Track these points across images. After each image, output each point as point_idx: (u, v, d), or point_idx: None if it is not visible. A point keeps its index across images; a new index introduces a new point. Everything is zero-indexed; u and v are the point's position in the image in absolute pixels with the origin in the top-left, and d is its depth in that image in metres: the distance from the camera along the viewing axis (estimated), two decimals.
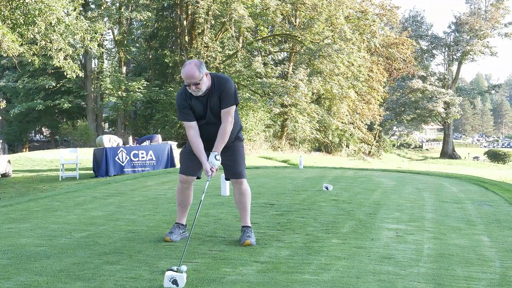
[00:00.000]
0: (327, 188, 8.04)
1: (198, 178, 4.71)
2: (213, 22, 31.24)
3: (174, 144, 16.91)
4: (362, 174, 11.76)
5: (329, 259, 3.96)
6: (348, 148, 40.81)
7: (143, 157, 15.26)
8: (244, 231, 4.56)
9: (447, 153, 58.31)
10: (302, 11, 32.18)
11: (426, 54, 58.30)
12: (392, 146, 60.85)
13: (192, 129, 4.41)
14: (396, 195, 7.65)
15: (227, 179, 4.86)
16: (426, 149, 75.41)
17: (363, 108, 36.03)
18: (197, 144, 4.38)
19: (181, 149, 4.84)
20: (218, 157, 4.33)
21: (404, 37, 42.66)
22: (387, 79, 40.70)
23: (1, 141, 18.39)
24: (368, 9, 35.63)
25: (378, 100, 37.99)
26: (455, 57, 58.60)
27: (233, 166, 4.63)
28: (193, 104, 4.37)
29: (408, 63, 42.41)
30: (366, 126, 39.41)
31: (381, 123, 46.82)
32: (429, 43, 58.36)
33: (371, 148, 43.79)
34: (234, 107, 4.43)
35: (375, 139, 44.07)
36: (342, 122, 34.37)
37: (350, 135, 37.92)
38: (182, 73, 4.26)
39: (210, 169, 4.28)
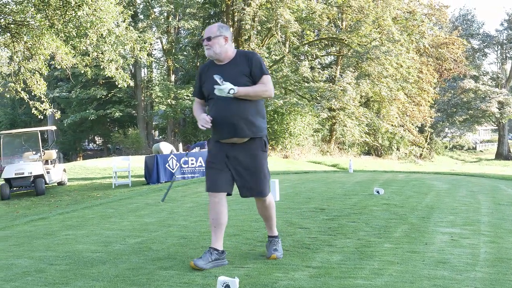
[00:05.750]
0: (378, 192, 7.92)
1: (229, 194, 4.14)
2: (259, 28, 31.35)
3: None
4: (413, 177, 11.52)
5: (382, 264, 3.89)
6: (399, 151, 40.06)
7: (193, 164, 15.45)
8: (270, 242, 4.26)
9: (503, 154, 56.35)
10: (349, 14, 31.90)
11: (478, 53, 56.68)
12: (444, 148, 59.30)
13: (197, 103, 4.27)
14: (450, 198, 7.46)
15: (243, 196, 4.20)
16: (480, 151, 73.12)
17: (413, 110, 35.31)
18: (198, 108, 4.23)
19: None
20: (232, 91, 3.88)
21: (454, 36, 41.62)
22: (437, 80, 39.79)
23: (56, 150, 18.99)
24: (416, 9, 34.95)
25: (428, 101, 37.16)
26: (508, 55, 56.72)
27: (255, 184, 4.08)
28: (210, 75, 4.04)
29: (459, 63, 41.32)
30: (417, 129, 38.60)
31: (433, 125, 45.75)
32: (480, 41, 56.73)
33: (422, 151, 42.85)
34: (269, 77, 4.09)
35: (426, 141, 43.09)
36: (392, 125, 33.78)
37: (401, 137, 37.21)
38: None
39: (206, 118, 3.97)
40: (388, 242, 4.65)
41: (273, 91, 4.12)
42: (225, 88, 3.88)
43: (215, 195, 4.04)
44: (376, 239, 4.79)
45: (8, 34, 15.31)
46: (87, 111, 36.18)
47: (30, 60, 15.63)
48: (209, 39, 4.02)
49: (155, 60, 40.05)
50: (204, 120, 3.98)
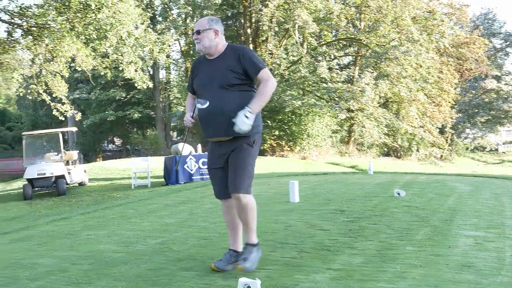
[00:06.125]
0: (399, 193, 7.84)
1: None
2: (276, 29, 31.34)
3: None
4: (435, 179, 11.39)
5: (404, 267, 3.85)
6: (419, 152, 39.70)
7: None
8: (244, 249, 3.97)
9: None
10: (367, 14, 31.72)
11: (500, 53, 55.92)
12: (466, 149, 58.66)
13: (190, 98, 4.18)
14: (473, 201, 7.35)
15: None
16: (503, 152, 72.11)
17: (433, 111, 34.97)
18: (189, 105, 4.15)
19: None
20: (249, 114, 3.58)
21: (475, 36, 41.12)
22: (458, 80, 39.35)
23: (78, 151, 19.20)
24: (436, 9, 34.63)
25: (449, 102, 36.80)
26: None
27: (232, 178, 3.83)
28: (200, 70, 3.97)
29: (480, 62, 40.83)
30: (437, 129, 38.23)
31: (453, 126, 45.22)
32: (503, 41, 55.99)
33: (443, 152, 42.40)
34: (267, 69, 3.83)
35: (447, 142, 42.66)
36: (412, 126, 33.51)
37: (420, 139, 36.88)
38: None
39: (187, 121, 4.01)
40: (410, 245, 4.59)
41: (275, 80, 3.91)
42: (240, 122, 3.57)
43: (223, 201, 4.03)
44: (398, 241, 4.73)
45: (30, 37, 15.53)
46: (107, 112, 36.61)
47: (51, 62, 15.85)
48: (198, 32, 3.88)
49: (173, 61, 40.28)
50: (187, 121, 4.02)
